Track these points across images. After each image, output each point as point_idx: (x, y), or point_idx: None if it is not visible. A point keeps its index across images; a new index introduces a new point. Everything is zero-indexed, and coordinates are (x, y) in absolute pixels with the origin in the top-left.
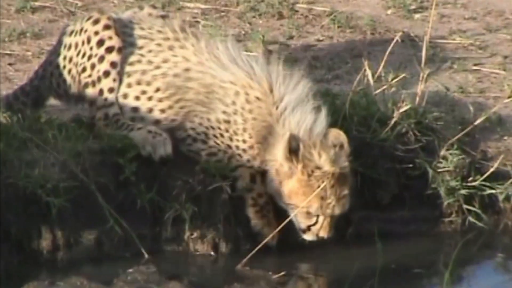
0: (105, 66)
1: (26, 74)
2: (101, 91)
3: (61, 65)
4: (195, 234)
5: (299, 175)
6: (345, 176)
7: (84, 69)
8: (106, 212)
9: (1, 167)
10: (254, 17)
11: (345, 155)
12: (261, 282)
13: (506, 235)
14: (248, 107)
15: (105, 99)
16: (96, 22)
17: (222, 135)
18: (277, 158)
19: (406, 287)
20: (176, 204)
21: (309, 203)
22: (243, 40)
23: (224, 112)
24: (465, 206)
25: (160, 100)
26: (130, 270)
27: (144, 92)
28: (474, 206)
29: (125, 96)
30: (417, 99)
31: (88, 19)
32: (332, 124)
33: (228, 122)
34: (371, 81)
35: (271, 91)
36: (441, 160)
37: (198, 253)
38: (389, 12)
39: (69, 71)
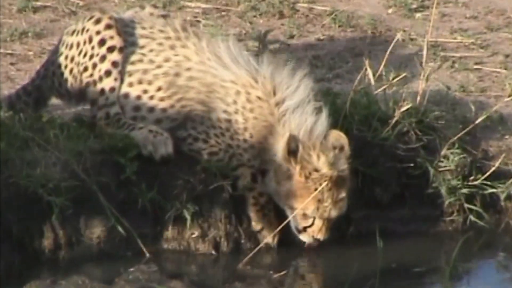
0: (106, 65)
1: (28, 74)
2: (102, 91)
3: (63, 64)
4: (196, 233)
5: (297, 176)
6: (343, 179)
7: (85, 69)
8: (107, 211)
9: (3, 166)
10: (255, 16)
11: (344, 158)
12: (262, 281)
13: (507, 234)
14: (249, 106)
15: (107, 99)
16: (97, 21)
17: (223, 134)
18: (276, 159)
19: (407, 286)
20: (177, 203)
21: (305, 205)
22: (244, 39)
23: (225, 111)
24: (466, 205)
25: (161, 99)
26: (132, 269)
27: (145, 92)
28: (475, 205)
29: (127, 95)
30: (418, 98)
31: (90, 18)
32: (333, 123)
33: (229, 121)
34: (372, 80)
35: (274, 91)
36: (442, 159)
37: (199, 252)
38: (390, 11)
39: (71, 71)
